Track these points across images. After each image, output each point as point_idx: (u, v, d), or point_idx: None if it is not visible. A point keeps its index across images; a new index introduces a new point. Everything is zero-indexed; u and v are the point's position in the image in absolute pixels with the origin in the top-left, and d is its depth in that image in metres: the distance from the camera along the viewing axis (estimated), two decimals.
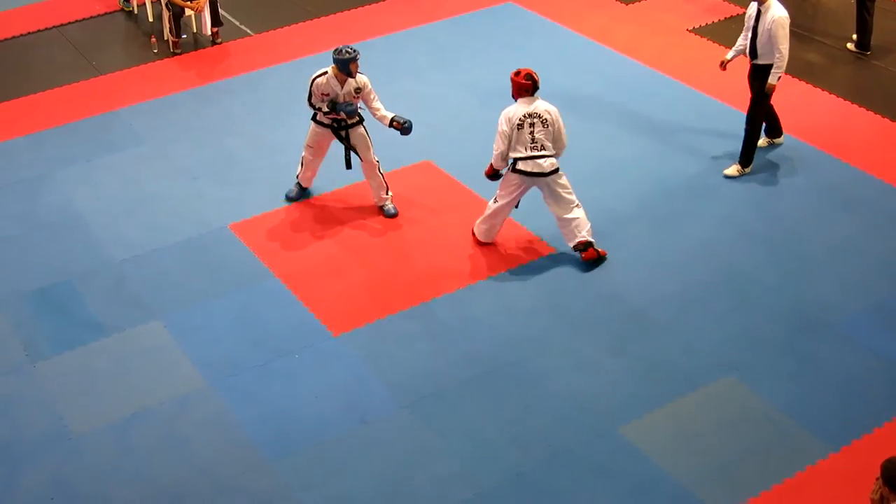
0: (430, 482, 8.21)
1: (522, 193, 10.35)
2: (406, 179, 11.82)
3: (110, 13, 16.18)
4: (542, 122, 9.99)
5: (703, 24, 15.17)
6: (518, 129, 9.97)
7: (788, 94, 12.66)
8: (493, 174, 10.36)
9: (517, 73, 10.06)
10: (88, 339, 9.69)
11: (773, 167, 11.83)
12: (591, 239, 10.32)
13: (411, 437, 8.62)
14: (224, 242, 10.91)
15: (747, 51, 11.45)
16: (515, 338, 9.59)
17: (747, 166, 11.71)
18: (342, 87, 10.77)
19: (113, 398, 9.05)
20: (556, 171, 10.12)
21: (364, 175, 11.24)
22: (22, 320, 9.96)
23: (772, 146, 12.15)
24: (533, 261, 10.52)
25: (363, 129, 11.03)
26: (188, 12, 14.90)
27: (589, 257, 10.32)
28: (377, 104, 10.96)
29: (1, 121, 13.34)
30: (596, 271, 10.35)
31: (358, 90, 10.82)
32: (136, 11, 16.13)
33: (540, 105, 10.05)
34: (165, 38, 15.08)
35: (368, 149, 11.03)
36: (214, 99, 13.72)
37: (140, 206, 11.53)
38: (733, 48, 11.69)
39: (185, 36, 15.13)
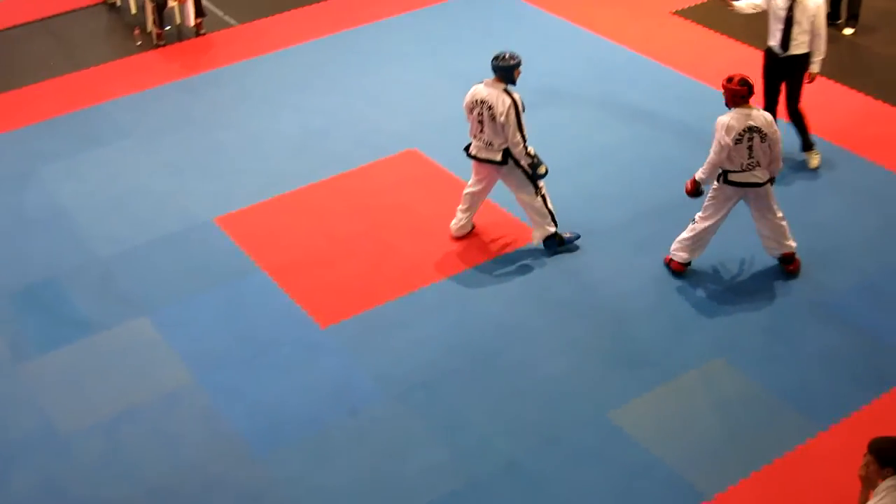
0: (420, 473, 8.19)
1: (732, 207, 9.74)
2: (391, 168, 11.80)
3: (93, 6, 16.15)
4: (760, 136, 9.25)
5: (687, 6, 15.13)
6: (736, 143, 9.27)
7: None
8: (695, 190, 9.68)
9: (729, 80, 9.26)
10: (75, 338, 9.66)
11: None
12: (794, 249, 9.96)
13: (401, 427, 8.61)
14: (210, 236, 10.87)
15: (777, 44, 11.10)
16: (503, 326, 9.57)
17: (813, 147, 11.53)
18: None
19: (100, 396, 9.03)
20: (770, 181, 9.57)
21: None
22: (7, 319, 9.93)
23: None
24: (519, 248, 10.50)
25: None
26: (171, 3, 14.83)
27: (794, 268, 10.00)
28: None
29: None
30: (581, 256, 10.34)
31: None
32: (118, 3, 16.09)
33: (758, 116, 9.27)
34: (148, 31, 15.03)
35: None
36: (199, 91, 13.67)
37: (125, 201, 11.50)
38: (745, 2, 11.28)
39: (168, 27, 15.09)
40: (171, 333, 9.64)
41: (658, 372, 9.02)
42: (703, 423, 8.54)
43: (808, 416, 8.53)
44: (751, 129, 9.24)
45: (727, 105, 9.39)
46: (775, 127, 9.35)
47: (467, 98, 9.96)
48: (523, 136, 9.78)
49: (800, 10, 10.88)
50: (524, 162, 9.95)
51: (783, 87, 11.37)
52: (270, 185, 11.61)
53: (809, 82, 11.31)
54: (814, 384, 8.83)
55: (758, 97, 11.50)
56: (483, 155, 10.00)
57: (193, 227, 11.02)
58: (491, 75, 9.85)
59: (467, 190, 10.46)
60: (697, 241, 9.86)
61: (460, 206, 10.55)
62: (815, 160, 11.47)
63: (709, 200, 9.73)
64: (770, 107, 11.50)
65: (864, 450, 6.37)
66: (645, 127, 12.39)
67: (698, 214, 9.83)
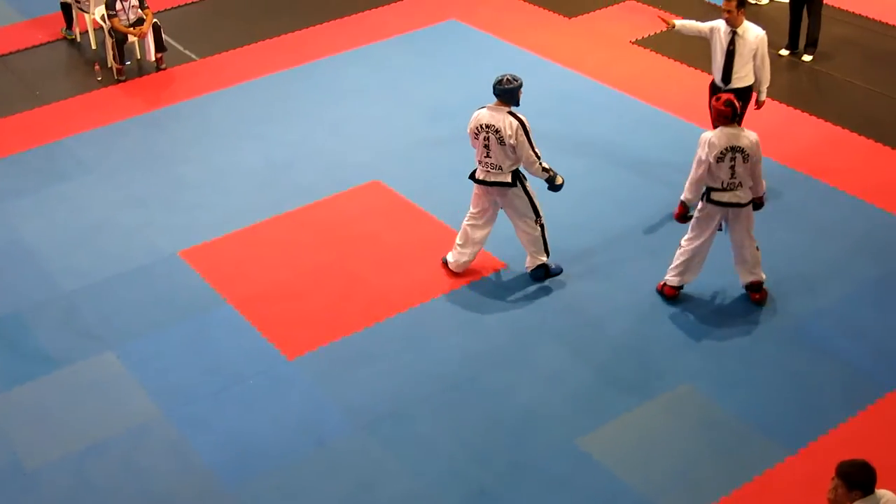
0: (390, 503, 8.18)
1: (717, 227, 9.79)
2: (356, 199, 11.80)
3: (52, 42, 16.04)
4: (743, 156, 9.35)
5: (646, 36, 15.25)
6: (718, 161, 9.38)
7: None
8: (682, 215, 9.74)
9: (717, 99, 9.45)
10: (40, 373, 9.56)
11: None
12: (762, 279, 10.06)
13: (370, 458, 8.58)
14: (175, 270, 10.82)
15: (719, 78, 11.23)
16: (471, 354, 9.58)
17: None
18: None
19: (67, 431, 8.94)
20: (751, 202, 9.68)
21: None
22: None
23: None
24: (485, 276, 10.52)
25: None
26: (131, 38, 14.80)
27: (760, 298, 10.07)
28: None
29: None
30: (549, 284, 10.37)
31: None
32: (78, 39, 16.01)
33: (743, 137, 9.38)
34: (109, 66, 14.97)
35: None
36: (161, 125, 13.63)
37: (90, 236, 11.43)
38: (688, 23, 11.47)
39: (128, 62, 15.02)
40: (137, 367, 9.58)
41: (626, 398, 9.05)
42: (672, 448, 8.57)
43: (776, 440, 8.58)
44: (733, 149, 9.33)
45: (713, 124, 9.52)
46: (758, 148, 9.43)
47: (471, 124, 9.95)
48: (537, 154, 9.86)
49: (741, 43, 11.02)
50: (542, 177, 10.01)
51: None
52: (235, 217, 11.59)
53: (757, 108, 11.49)
54: (782, 409, 8.89)
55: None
56: (491, 178, 9.97)
57: (158, 260, 10.97)
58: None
59: (468, 222, 10.34)
60: (686, 264, 9.91)
61: (458, 242, 10.43)
62: None
63: (694, 221, 9.81)
64: None
65: (833, 473, 6.41)
66: (606, 154, 12.46)
67: (683, 238, 9.90)
